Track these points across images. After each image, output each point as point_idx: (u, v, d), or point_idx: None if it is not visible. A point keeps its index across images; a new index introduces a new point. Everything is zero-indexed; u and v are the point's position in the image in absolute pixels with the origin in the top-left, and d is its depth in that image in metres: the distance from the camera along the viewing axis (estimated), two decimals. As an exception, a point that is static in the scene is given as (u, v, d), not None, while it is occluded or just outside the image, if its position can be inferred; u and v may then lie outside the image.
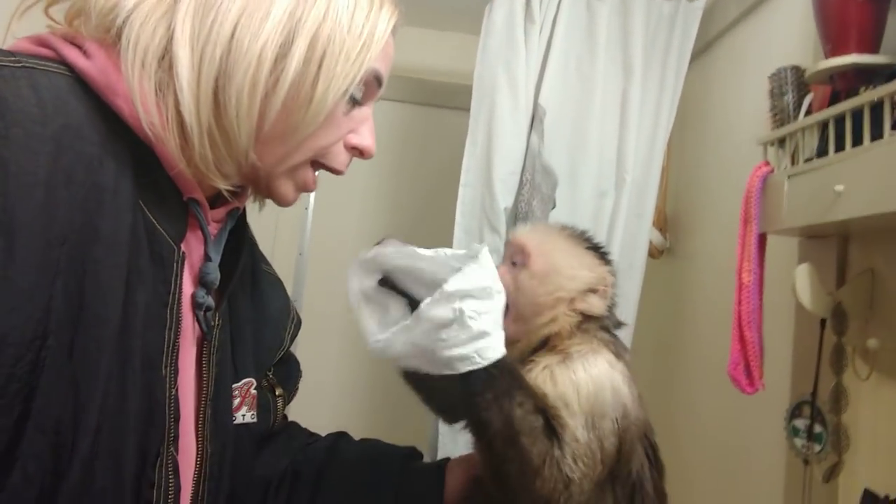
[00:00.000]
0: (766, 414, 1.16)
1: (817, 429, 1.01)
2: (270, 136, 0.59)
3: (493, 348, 0.60)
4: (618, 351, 0.67)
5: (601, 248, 0.73)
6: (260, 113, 0.57)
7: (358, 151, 0.67)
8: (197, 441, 0.64)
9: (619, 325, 0.72)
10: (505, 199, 1.44)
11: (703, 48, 1.63)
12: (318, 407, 1.42)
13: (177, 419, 0.59)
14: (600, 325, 0.69)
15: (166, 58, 0.55)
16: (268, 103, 0.57)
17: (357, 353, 1.93)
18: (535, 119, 1.47)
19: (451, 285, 0.59)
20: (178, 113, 0.56)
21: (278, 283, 0.83)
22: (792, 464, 1.09)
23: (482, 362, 0.59)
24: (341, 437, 0.86)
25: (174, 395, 0.59)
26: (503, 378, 0.59)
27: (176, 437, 0.59)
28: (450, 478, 0.77)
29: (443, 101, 2.03)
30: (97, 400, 0.51)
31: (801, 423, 1.05)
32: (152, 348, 0.57)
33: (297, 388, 0.85)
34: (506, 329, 0.62)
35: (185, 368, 0.61)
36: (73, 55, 0.55)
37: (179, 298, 0.59)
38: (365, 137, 0.66)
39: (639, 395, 0.67)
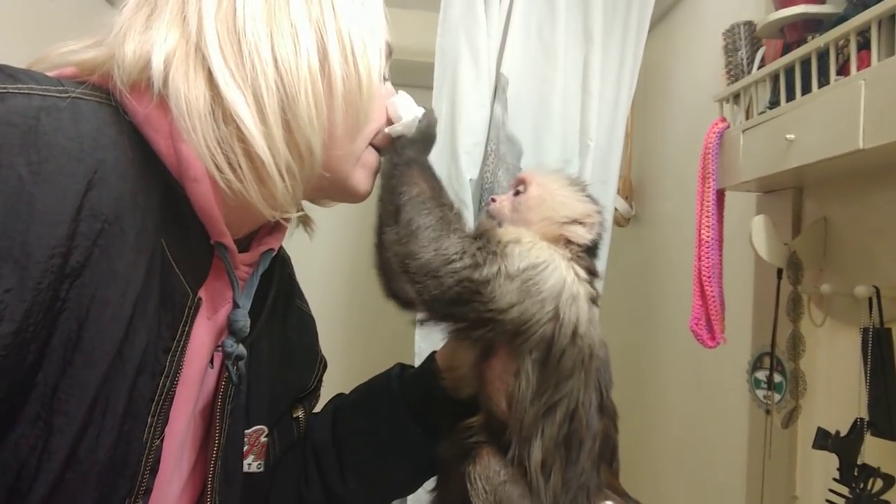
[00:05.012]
0: (731, 366, 1.17)
1: (777, 378, 1.03)
2: (338, 140, 0.61)
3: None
4: (588, 268, 0.71)
5: (593, 197, 0.80)
6: (329, 121, 0.59)
7: None
8: (208, 491, 0.63)
9: (595, 273, 0.74)
10: (470, 170, 1.43)
11: (662, 13, 1.64)
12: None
13: (154, 471, 0.55)
14: (580, 252, 0.73)
15: (217, 108, 0.54)
16: (333, 108, 0.59)
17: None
18: (498, 89, 1.46)
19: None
20: (250, 159, 0.55)
21: (309, 321, 0.81)
22: (754, 413, 1.11)
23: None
24: (336, 398, 0.84)
25: (158, 445, 0.55)
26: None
27: (148, 490, 0.55)
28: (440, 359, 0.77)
29: (406, 79, 1.99)
30: (66, 448, 0.48)
31: (762, 375, 1.06)
32: (142, 394, 0.53)
33: (318, 398, 0.83)
34: None
35: (178, 418, 0.58)
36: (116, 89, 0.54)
37: (185, 345, 0.57)
38: None
39: (594, 318, 0.69)
